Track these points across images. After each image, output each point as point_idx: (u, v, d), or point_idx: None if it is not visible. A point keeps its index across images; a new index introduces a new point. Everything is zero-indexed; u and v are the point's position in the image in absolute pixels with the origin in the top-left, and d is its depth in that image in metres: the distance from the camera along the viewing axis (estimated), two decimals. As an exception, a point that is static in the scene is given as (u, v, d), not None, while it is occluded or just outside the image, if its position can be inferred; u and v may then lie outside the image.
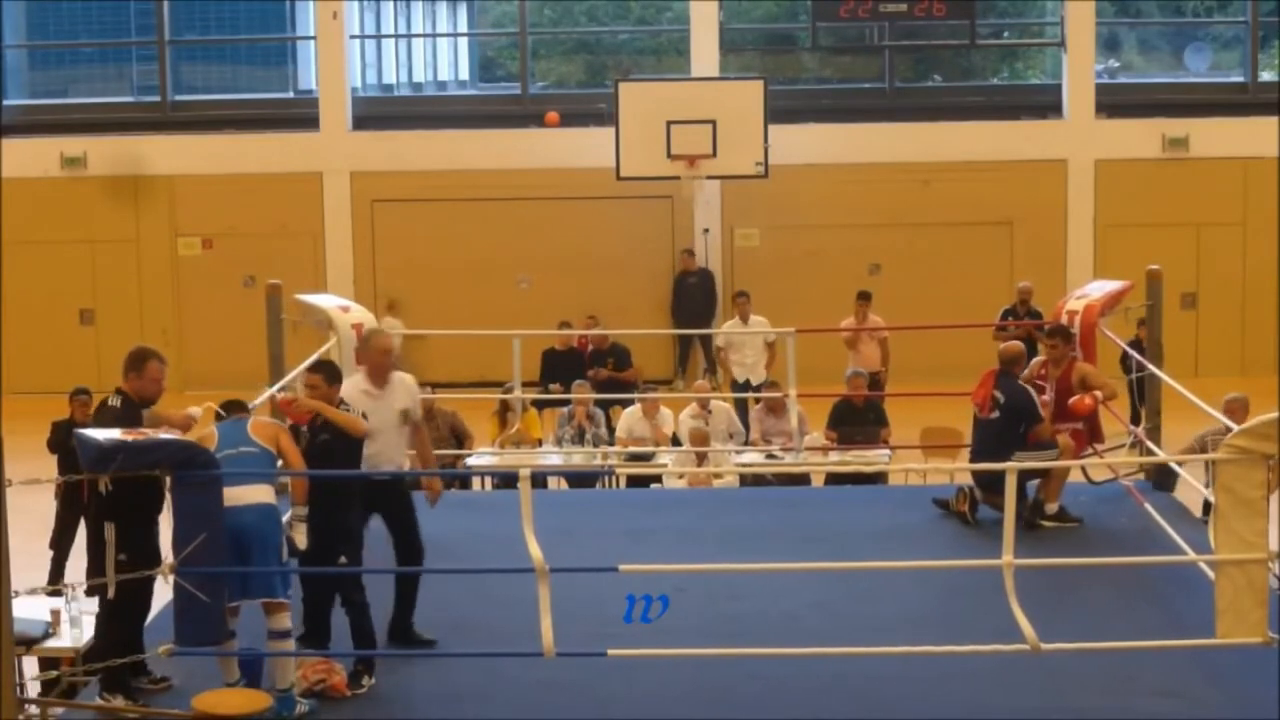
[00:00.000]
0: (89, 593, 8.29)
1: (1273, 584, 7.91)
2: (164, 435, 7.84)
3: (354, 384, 8.89)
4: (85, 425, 9.04)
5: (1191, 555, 9.23)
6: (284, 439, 8.08)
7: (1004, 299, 17.18)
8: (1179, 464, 10.75)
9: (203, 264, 21.05)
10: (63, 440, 10.84)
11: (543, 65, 23.08)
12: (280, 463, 8.07)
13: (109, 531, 7.77)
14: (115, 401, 8.08)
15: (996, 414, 10.86)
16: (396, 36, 24.87)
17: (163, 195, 20.95)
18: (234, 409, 8.26)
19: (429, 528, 11.09)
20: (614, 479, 13.83)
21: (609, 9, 23.76)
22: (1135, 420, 12.35)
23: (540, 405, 15.15)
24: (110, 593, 7.79)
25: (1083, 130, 20.64)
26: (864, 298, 16.65)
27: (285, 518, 8.08)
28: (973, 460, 11.13)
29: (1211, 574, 7.99)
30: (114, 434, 7.65)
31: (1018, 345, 11.32)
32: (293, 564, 8.11)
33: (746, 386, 15.80)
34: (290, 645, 7.96)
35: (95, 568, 7.85)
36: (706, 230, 20.61)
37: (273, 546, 7.86)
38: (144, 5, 22.15)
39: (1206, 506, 10.51)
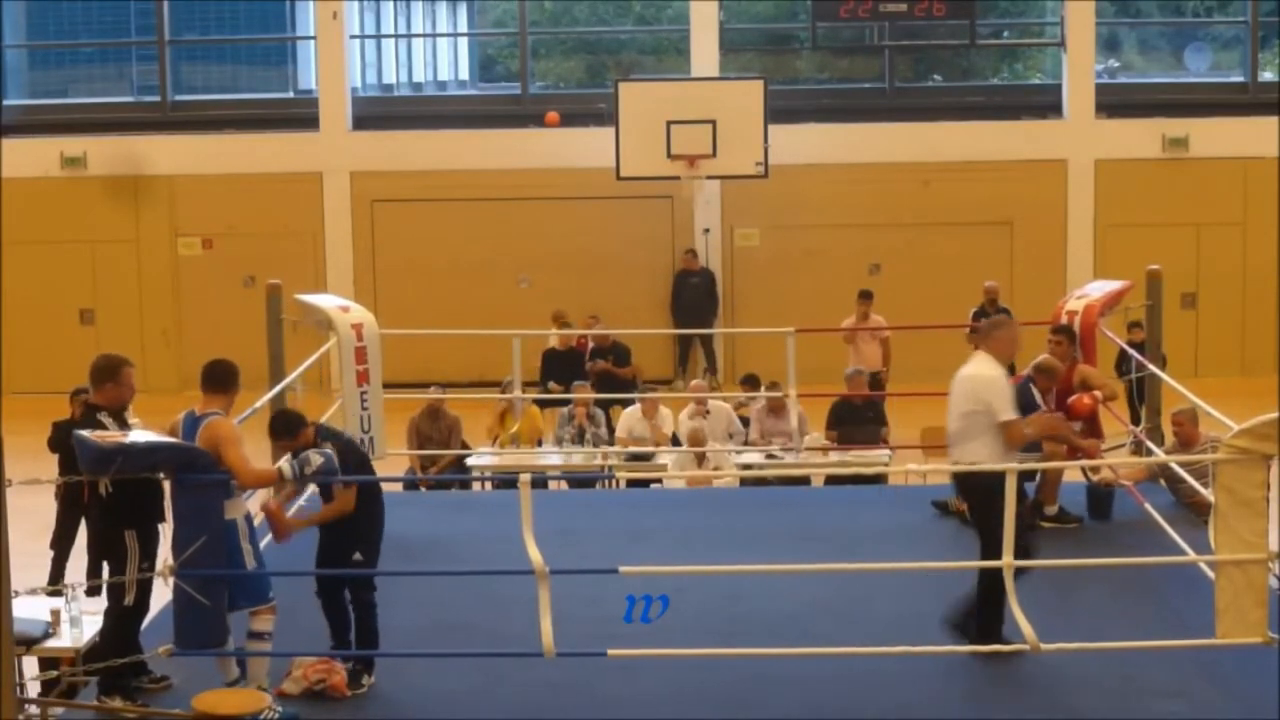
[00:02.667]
0: (89, 593, 8.28)
1: (1273, 584, 7.92)
2: (162, 438, 7.84)
3: (991, 365, 8.53)
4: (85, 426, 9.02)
5: (1191, 555, 9.23)
6: (225, 450, 7.71)
7: (1005, 299, 17.18)
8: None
9: (203, 264, 21.05)
10: (63, 440, 10.79)
11: (543, 65, 23.08)
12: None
13: (130, 540, 7.76)
14: (106, 419, 8.03)
15: None
16: (396, 36, 24.88)
17: (163, 195, 20.94)
18: (218, 372, 8.03)
19: (430, 528, 11.12)
20: (614, 480, 13.83)
21: (609, 8, 23.75)
22: (1135, 421, 12.35)
23: (540, 405, 15.15)
24: (129, 599, 7.80)
25: (1083, 130, 20.64)
26: (865, 296, 16.63)
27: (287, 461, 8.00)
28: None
29: (1211, 574, 7.99)
30: (113, 436, 7.66)
31: (1053, 361, 11.16)
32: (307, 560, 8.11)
33: None
34: (266, 648, 7.99)
35: (112, 569, 7.85)
36: (707, 230, 20.61)
37: (232, 563, 7.83)
38: (144, 5, 22.14)
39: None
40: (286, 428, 8.22)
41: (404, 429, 13.89)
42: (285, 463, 7.93)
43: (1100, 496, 11.09)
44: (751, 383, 14.97)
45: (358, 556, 8.19)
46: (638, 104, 18.92)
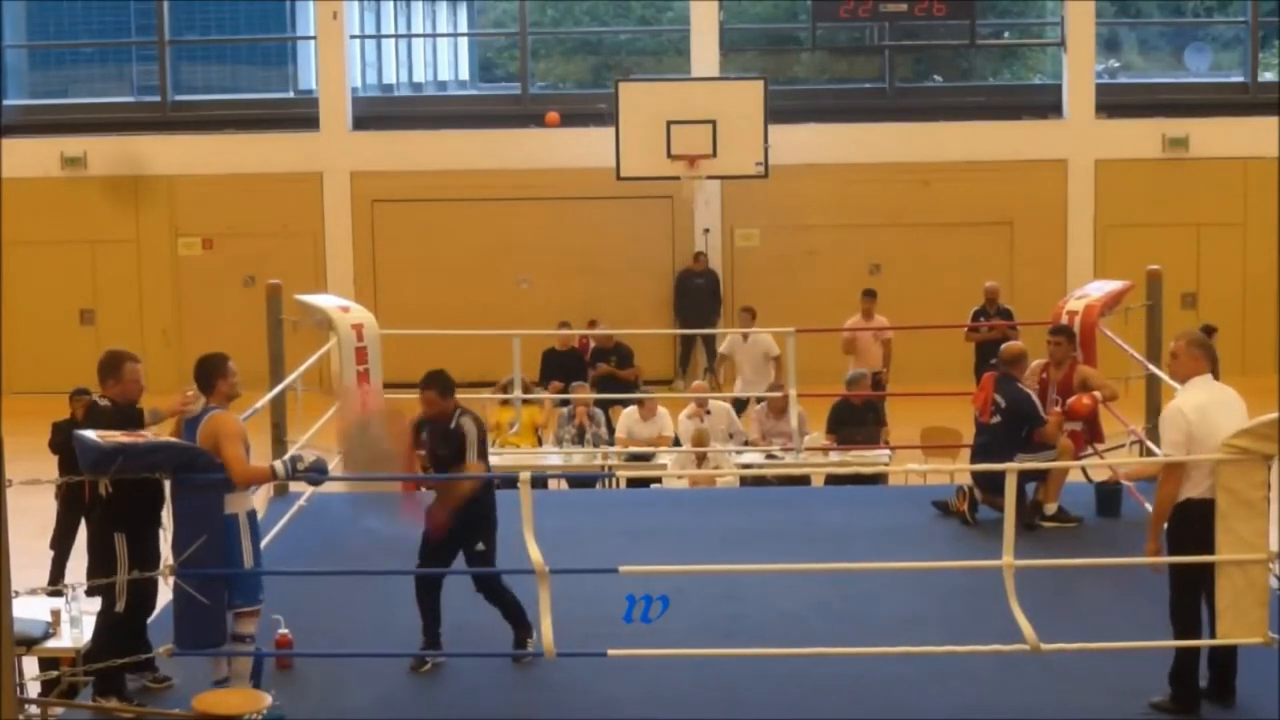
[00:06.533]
0: (89, 593, 8.28)
1: (1273, 584, 7.92)
2: (163, 438, 7.83)
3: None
4: (86, 426, 9.01)
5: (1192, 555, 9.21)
6: (225, 446, 7.71)
7: (1005, 299, 17.18)
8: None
9: (203, 264, 21.05)
10: (64, 441, 10.81)
11: (543, 65, 23.08)
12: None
13: (119, 545, 7.76)
14: (107, 402, 8.05)
15: (997, 418, 10.85)
16: (396, 36, 24.89)
17: (163, 195, 20.94)
18: (210, 367, 8.02)
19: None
20: (614, 480, 13.82)
21: (609, 9, 23.76)
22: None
23: (540, 404, 15.14)
24: (120, 605, 7.79)
25: (1083, 130, 20.64)
26: (869, 295, 16.60)
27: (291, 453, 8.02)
28: (973, 463, 11.12)
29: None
30: (113, 436, 7.65)
31: (1019, 345, 11.35)
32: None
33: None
34: (249, 650, 7.98)
35: (101, 574, 7.85)
36: (707, 230, 20.61)
37: (230, 558, 7.83)
38: (144, 5, 22.15)
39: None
40: (448, 386, 8.69)
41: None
42: (279, 461, 7.96)
43: (1108, 494, 11.08)
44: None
45: (481, 547, 8.40)
46: (638, 104, 18.90)
